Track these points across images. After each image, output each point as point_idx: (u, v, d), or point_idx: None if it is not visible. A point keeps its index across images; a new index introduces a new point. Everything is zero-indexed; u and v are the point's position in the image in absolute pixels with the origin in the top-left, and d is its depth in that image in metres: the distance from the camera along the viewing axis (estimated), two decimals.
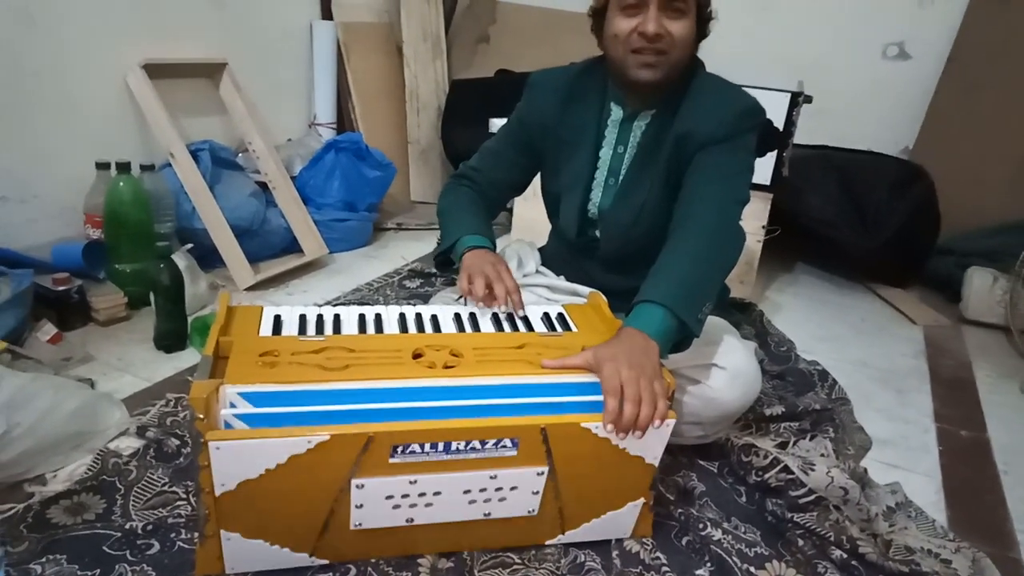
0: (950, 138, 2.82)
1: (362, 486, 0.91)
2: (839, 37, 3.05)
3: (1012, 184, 2.69)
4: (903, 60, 3.00)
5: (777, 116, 2.10)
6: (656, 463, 1.00)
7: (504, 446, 0.92)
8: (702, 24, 1.20)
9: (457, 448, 0.91)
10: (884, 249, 2.43)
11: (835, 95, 2.88)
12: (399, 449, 0.89)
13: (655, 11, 1.12)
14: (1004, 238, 2.43)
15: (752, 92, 1.25)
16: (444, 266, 1.37)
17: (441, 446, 0.90)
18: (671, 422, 0.96)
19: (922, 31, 2.92)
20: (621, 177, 1.31)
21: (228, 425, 0.85)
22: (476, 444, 0.91)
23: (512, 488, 0.97)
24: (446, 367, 0.97)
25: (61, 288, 1.66)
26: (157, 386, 1.49)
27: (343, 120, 2.95)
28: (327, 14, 2.78)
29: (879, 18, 2.98)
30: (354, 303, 2.01)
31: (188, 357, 1.63)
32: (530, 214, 2.36)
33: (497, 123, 2.59)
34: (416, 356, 0.99)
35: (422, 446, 0.89)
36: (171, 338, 1.64)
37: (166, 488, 1.16)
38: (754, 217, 2.21)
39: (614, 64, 1.22)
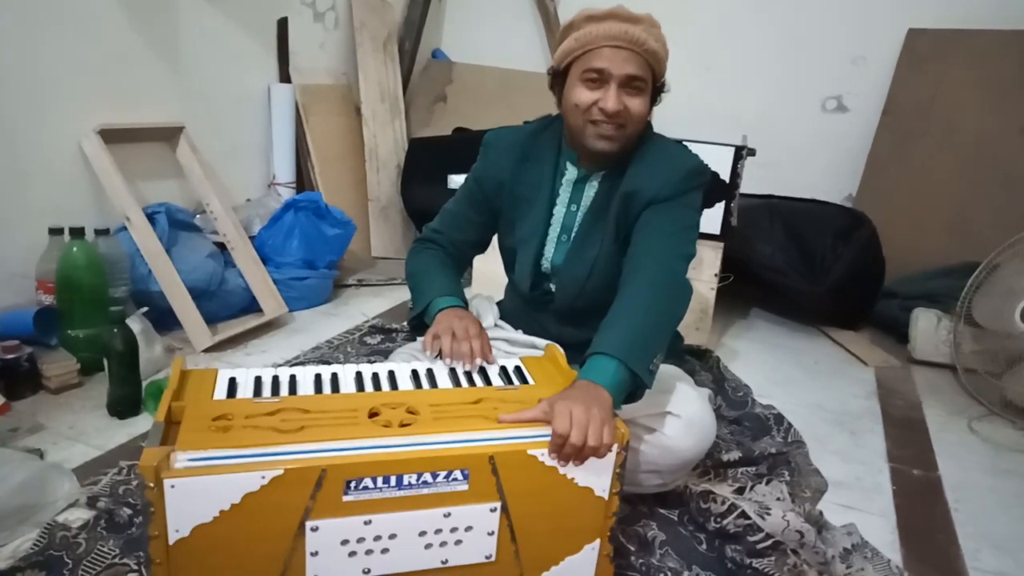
0: (890, 186, 2.96)
1: (316, 528, 0.90)
2: (780, 93, 3.21)
3: (949, 228, 2.82)
4: (842, 113, 3.16)
5: (723, 169, 2.19)
6: (606, 496, 1.01)
7: (455, 479, 0.93)
8: (655, 94, 1.27)
9: (409, 482, 0.91)
10: (832, 294, 2.51)
11: (780, 147, 3.02)
12: (352, 484, 0.89)
13: (615, 89, 1.18)
14: (945, 280, 2.53)
15: (698, 147, 1.31)
16: (419, 329, 1.39)
17: (394, 480, 0.91)
18: (614, 447, 0.98)
19: (857, 86, 3.09)
20: (574, 234, 1.35)
21: None
22: (428, 477, 0.92)
23: (467, 528, 0.97)
24: (402, 425, 0.97)
25: (10, 356, 1.62)
26: (110, 454, 1.46)
27: (302, 179, 2.97)
28: (285, 77, 2.82)
29: (817, 74, 3.15)
30: (314, 362, 2.00)
31: (142, 423, 1.60)
32: (490, 268, 2.39)
33: (455, 179, 2.64)
34: (372, 415, 1.00)
35: (375, 480, 0.90)
36: (125, 404, 1.61)
37: (116, 560, 1.13)
38: (707, 266, 2.27)
39: (572, 130, 1.27)
